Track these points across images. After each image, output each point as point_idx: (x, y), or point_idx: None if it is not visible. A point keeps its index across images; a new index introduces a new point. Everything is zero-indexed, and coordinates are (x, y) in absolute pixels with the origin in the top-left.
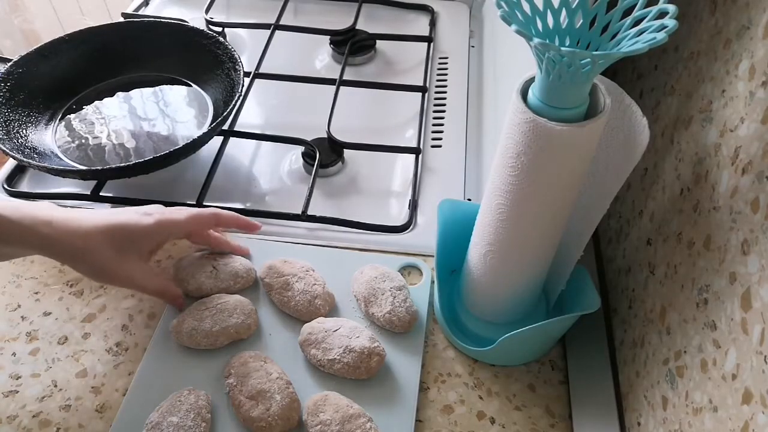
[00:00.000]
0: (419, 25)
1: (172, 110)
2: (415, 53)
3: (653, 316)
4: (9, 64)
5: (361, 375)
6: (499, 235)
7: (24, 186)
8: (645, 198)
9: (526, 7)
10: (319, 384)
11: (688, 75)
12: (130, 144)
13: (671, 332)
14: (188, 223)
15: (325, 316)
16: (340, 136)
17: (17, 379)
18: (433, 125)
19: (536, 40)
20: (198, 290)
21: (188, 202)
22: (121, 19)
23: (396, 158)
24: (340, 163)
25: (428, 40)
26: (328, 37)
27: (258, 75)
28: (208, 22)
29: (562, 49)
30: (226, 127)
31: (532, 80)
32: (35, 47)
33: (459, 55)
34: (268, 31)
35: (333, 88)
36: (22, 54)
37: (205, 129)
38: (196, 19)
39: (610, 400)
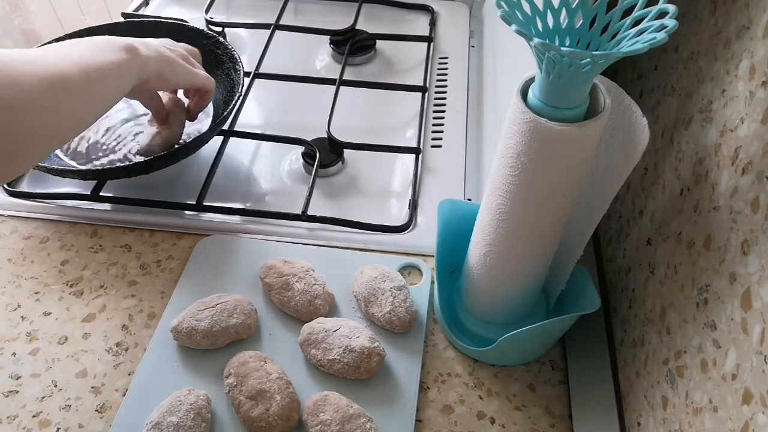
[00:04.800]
0: (419, 25)
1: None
2: (415, 53)
3: (653, 316)
4: None
5: (361, 375)
6: (499, 235)
7: (24, 186)
8: (645, 198)
9: (526, 7)
10: (319, 384)
11: (688, 75)
12: (130, 144)
13: (671, 332)
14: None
15: (325, 316)
16: (340, 136)
17: (17, 379)
18: (433, 125)
19: (536, 40)
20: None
21: (188, 202)
22: (121, 19)
23: (396, 158)
24: (340, 163)
25: (428, 40)
26: (328, 37)
27: (258, 75)
28: (208, 22)
29: (562, 49)
30: (226, 127)
31: (532, 80)
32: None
33: (459, 55)
34: (268, 31)
35: (333, 88)
36: None
37: (205, 129)
38: (196, 19)
39: (610, 400)
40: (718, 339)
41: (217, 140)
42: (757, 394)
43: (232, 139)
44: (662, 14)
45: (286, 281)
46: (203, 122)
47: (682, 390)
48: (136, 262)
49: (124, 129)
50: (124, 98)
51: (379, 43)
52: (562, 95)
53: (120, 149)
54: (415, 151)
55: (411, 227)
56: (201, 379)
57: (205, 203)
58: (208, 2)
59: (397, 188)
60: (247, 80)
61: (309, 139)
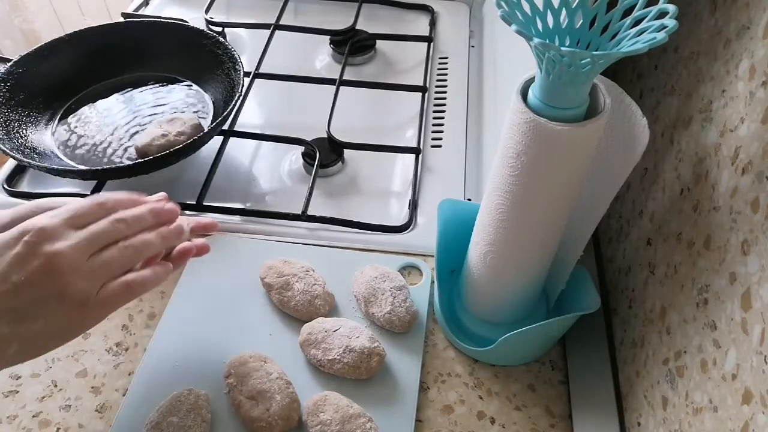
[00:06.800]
0: (419, 25)
1: (171, 110)
2: (415, 53)
3: (653, 316)
4: (9, 64)
5: (361, 375)
6: (499, 235)
7: (24, 186)
8: (645, 198)
9: (526, 7)
10: (319, 384)
11: (688, 75)
12: (129, 144)
13: (671, 332)
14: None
15: (325, 316)
16: (340, 136)
17: (17, 379)
18: (433, 125)
19: (536, 40)
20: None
21: (188, 202)
22: (121, 19)
23: (396, 158)
24: (340, 163)
25: (428, 40)
26: (328, 37)
27: (258, 75)
28: (208, 22)
29: (562, 49)
30: (226, 127)
31: (532, 80)
32: (35, 47)
33: (459, 55)
34: (268, 31)
35: (333, 88)
36: (22, 54)
37: (205, 129)
38: (196, 19)
39: (610, 400)
40: (718, 339)
41: (217, 140)
42: (757, 394)
43: (232, 139)
44: (662, 14)
45: (286, 281)
46: (203, 122)
47: (682, 390)
48: None
49: (124, 129)
50: (124, 99)
51: (379, 43)
52: (562, 95)
53: (120, 149)
54: (415, 151)
55: (411, 227)
56: (201, 379)
57: (205, 203)
58: (208, 2)
59: (397, 188)
60: (247, 80)
61: (309, 139)
